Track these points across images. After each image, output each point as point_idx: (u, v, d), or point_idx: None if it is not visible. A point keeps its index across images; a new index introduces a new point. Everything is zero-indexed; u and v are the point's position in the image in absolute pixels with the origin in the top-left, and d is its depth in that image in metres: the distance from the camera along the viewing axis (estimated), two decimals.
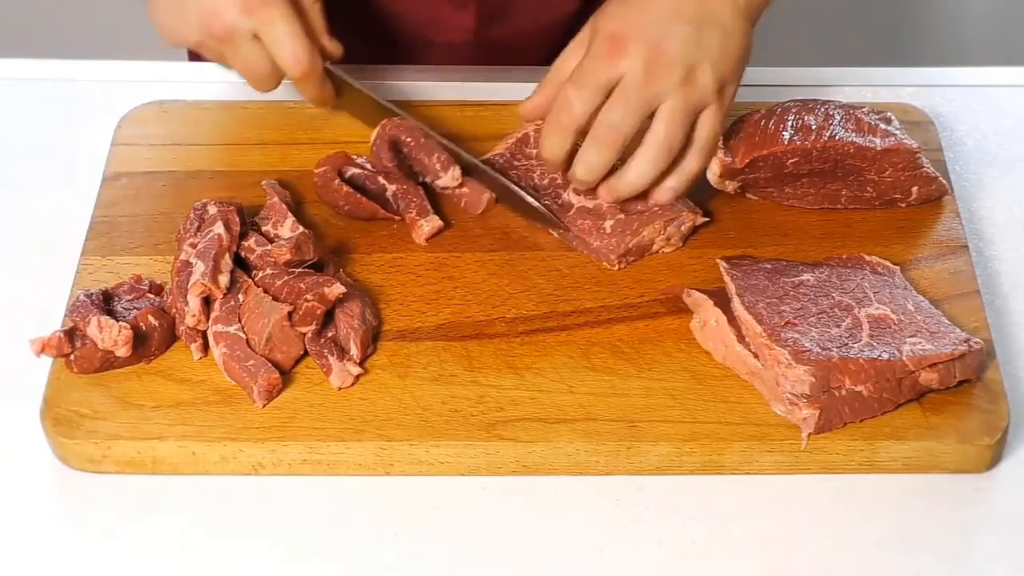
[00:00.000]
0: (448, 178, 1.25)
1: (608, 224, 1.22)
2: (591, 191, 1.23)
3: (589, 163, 1.20)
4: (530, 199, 1.23)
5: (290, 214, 1.21)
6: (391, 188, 1.25)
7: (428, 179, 1.26)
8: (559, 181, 1.26)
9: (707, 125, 1.20)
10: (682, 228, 1.22)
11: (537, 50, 1.48)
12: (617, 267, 1.21)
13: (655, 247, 1.22)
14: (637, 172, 1.20)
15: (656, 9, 1.19)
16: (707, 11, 1.19)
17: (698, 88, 1.18)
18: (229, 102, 1.36)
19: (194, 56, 1.53)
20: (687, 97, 1.18)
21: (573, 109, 1.19)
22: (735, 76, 1.21)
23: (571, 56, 1.22)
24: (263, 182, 1.25)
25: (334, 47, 1.28)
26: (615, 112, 1.18)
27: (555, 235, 1.23)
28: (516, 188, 1.24)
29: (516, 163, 1.27)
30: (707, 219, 1.24)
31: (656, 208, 1.22)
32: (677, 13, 1.18)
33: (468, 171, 1.26)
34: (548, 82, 1.24)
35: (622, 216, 1.22)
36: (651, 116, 1.18)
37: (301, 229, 1.19)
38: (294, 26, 1.22)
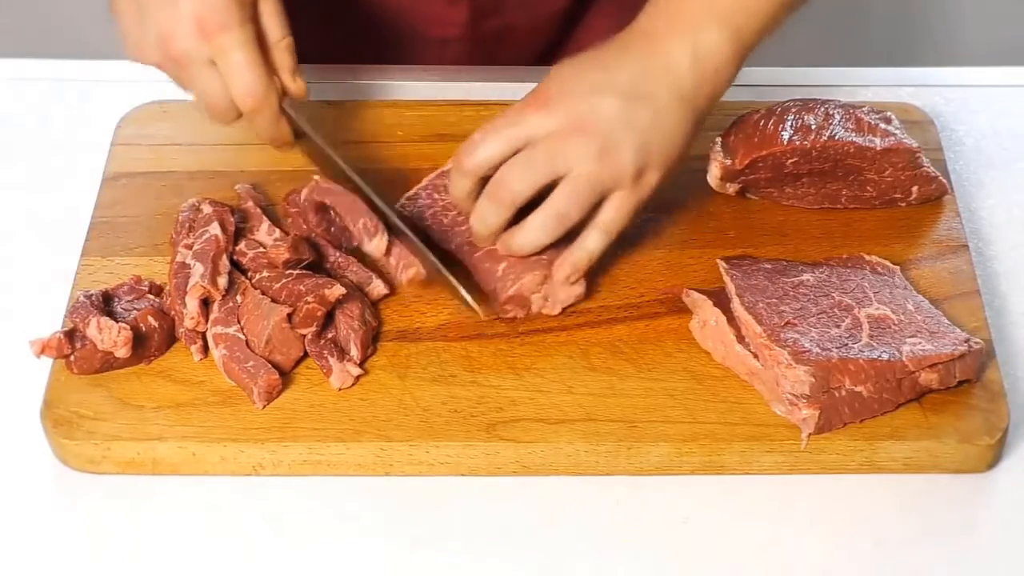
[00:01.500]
0: (373, 247, 1.17)
1: (500, 268, 1.17)
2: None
3: (482, 217, 1.15)
4: (454, 283, 1.16)
5: (266, 218, 1.21)
6: (329, 258, 1.20)
7: (356, 244, 1.19)
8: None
9: (612, 207, 1.14)
10: (560, 296, 1.17)
11: (530, 45, 1.48)
12: (508, 315, 1.17)
13: (534, 306, 1.17)
14: (527, 236, 1.15)
15: (593, 78, 1.14)
16: (643, 89, 1.13)
17: (612, 167, 1.12)
18: None
19: None
20: (596, 173, 1.12)
21: (475, 155, 1.15)
22: (660, 163, 1.14)
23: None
24: (236, 186, 1.24)
25: (297, 88, 1.21)
26: (514, 171, 1.13)
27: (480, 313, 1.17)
28: (442, 269, 1.17)
29: (436, 197, 1.23)
30: (582, 289, 1.17)
31: (545, 259, 1.17)
32: (612, 86, 1.13)
33: (397, 233, 1.19)
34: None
35: (515, 261, 1.17)
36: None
37: (277, 232, 1.19)
38: (250, 56, 1.16)
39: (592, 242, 1.16)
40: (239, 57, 1.16)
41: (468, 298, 1.16)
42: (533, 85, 1.26)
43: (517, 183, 1.13)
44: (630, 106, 1.13)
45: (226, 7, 1.15)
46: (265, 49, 1.18)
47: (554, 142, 1.12)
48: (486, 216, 1.15)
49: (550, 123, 1.13)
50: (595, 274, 1.20)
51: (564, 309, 1.18)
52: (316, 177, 1.21)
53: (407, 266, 1.17)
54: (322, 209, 1.21)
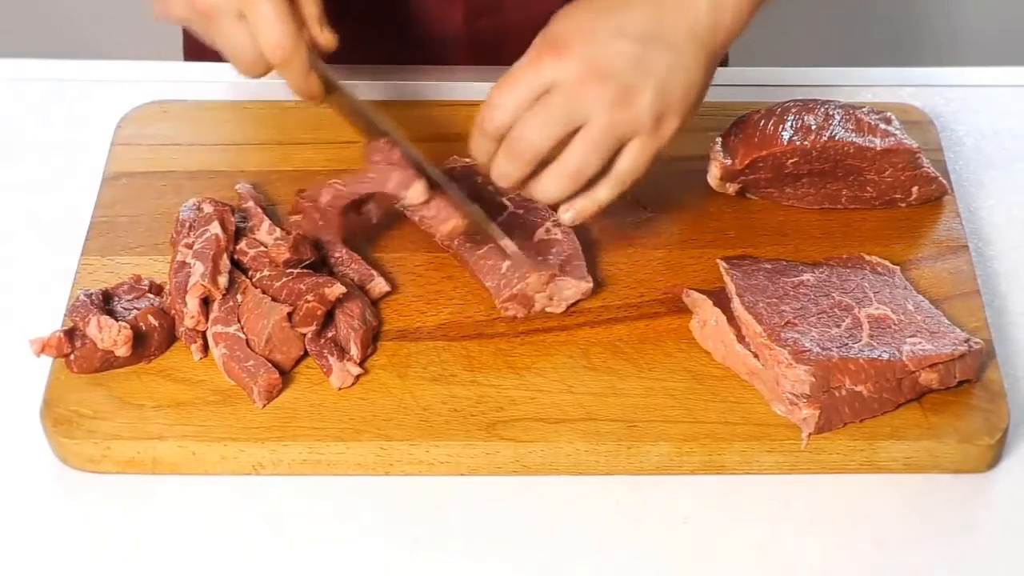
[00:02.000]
0: (412, 194, 1.16)
1: (504, 265, 1.17)
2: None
3: (503, 173, 1.13)
4: (497, 232, 1.15)
5: (266, 217, 1.21)
6: (331, 258, 1.20)
7: (394, 203, 1.19)
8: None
9: (630, 157, 1.12)
10: (565, 293, 1.18)
11: (528, 44, 1.47)
12: (509, 313, 1.17)
13: (537, 304, 1.17)
14: (542, 189, 1.14)
15: (607, 20, 1.11)
16: (659, 32, 1.10)
17: (631, 113, 1.09)
18: (229, 102, 1.36)
19: (193, 55, 1.53)
20: (615, 120, 1.09)
21: (495, 115, 1.12)
22: (680, 108, 1.11)
23: (526, 55, 1.16)
24: (236, 185, 1.25)
25: (327, 39, 1.19)
26: (532, 125, 1.11)
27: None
28: (485, 218, 1.16)
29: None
30: (590, 285, 1.17)
31: (550, 258, 1.17)
32: (628, 28, 1.10)
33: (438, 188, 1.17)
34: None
35: (520, 260, 1.17)
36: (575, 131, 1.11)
37: (278, 232, 1.19)
38: (279, 7, 1.13)
39: (604, 192, 1.14)
40: (267, 9, 1.13)
41: (512, 247, 1.14)
42: None
43: (536, 137, 1.11)
44: (647, 50, 1.10)
45: None
46: (293, 1, 1.16)
47: (571, 91, 1.10)
48: (507, 171, 1.13)
49: (566, 71, 1.10)
50: (596, 273, 1.20)
51: (568, 307, 1.18)
52: (335, 181, 1.20)
53: (447, 217, 1.16)
54: (349, 209, 1.20)
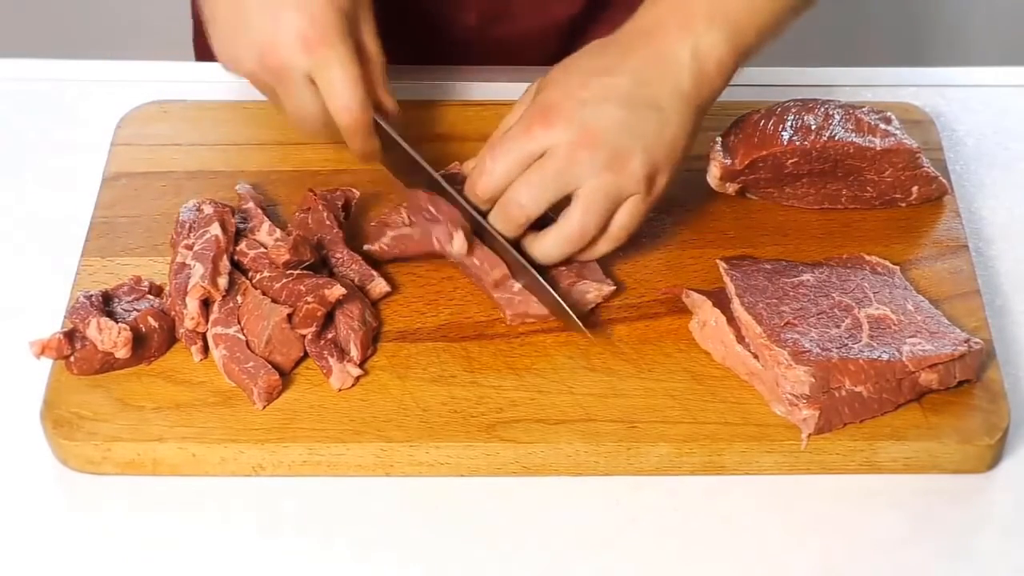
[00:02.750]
0: (455, 247, 1.17)
1: (517, 286, 1.17)
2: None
3: (495, 227, 1.17)
4: (547, 287, 1.15)
5: (266, 218, 1.21)
6: (333, 258, 1.20)
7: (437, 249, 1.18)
8: None
9: (626, 215, 1.15)
10: (587, 297, 1.18)
11: (540, 51, 1.47)
12: (515, 322, 1.17)
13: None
14: (542, 250, 1.16)
15: (595, 85, 1.14)
16: (647, 94, 1.14)
17: (624, 175, 1.13)
18: (229, 102, 1.36)
19: (204, 56, 1.52)
20: (608, 183, 1.13)
21: (487, 182, 1.15)
22: (668, 165, 1.15)
23: (514, 116, 1.19)
24: (236, 186, 1.25)
25: (391, 104, 1.22)
26: (526, 190, 1.14)
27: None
28: (534, 272, 1.16)
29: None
30: (612, 287, 1.18)
31: (564, 269, 1.18)
32: (615, 93, 1.13)
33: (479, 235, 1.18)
34: (489, 142, 1.19)
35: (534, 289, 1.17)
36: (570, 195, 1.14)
37: (278, 232, 1.19)
38: (351, 71, 1.16)
39: (603, 247, 1.17)
40: (339, 73, 1.16)
41: (563, 303, 1.15)
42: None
43: (528, 202, 1.14)
44: (635, 113, 1.13)
45: (329, 22, 1.15)
46: (362, 64, 1.18)
47: (563, 157, 1.13)
48: (500, 229, 1.17)
49: (557, 137, 1.13)
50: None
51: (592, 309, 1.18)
52: (381, 242, 1.19)
53: (493, 265, 1.16)
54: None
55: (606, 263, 1.20)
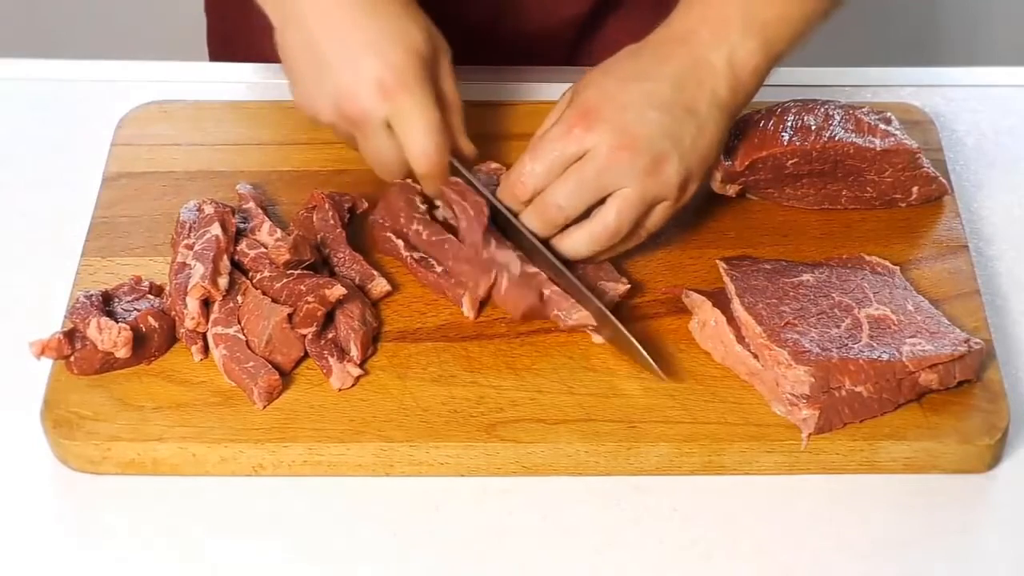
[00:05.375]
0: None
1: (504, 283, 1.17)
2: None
3: (528, 226, 1.17)
4: (627, 335, 1.14)
5: (267, 218, 1.21)
6: (335, 258, 1.20)
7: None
8: None
9: (657, 218, 1.17)
10: (607, 296, 1.18)
11: (548, 51, 1.47)
12: (519, 320, 1.16)
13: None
14: (572, 246, 1.17)
15: (634, 90, 1.15)
16: (685, 101, 1.15)
17: (660, 180, 1.14)
18: (229, 102, 1.36)
19: (218, 56, 1.52)
20: (647, 188, 1.14)
21: (527, 183, 1.16)
22: (700, 172, 1.17)
23: (551, 119, 1.19)
24: (236, 186, 1.25)
25: (469, 149, 1.22)
26: (564, 192, 1.15)
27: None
28: (613, 319, 1.15)
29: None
30: (627, 286, 1.18)
31: (581, 268, 1.18)
32: (655, 98, 1.14)
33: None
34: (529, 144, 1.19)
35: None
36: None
37: (278, 232, 1.19)
38: (430, 118, 1.16)
39: (628, 246, 1.19)
40: (418, 120, 1.16)
41: (643, 352, 1.13)
42: (539, 86, 1.25)
43: (567, 203, 1.15)
44: (675, 120, 1.14)
45: (408, 69, 1.15)
46: (441, 110, 1.17)
47: (604, 159, 1.13)
48: (533, 228, 1.17)
49: (598, 139, 1.14)
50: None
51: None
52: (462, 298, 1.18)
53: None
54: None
55: (610, 261, 1.20)
